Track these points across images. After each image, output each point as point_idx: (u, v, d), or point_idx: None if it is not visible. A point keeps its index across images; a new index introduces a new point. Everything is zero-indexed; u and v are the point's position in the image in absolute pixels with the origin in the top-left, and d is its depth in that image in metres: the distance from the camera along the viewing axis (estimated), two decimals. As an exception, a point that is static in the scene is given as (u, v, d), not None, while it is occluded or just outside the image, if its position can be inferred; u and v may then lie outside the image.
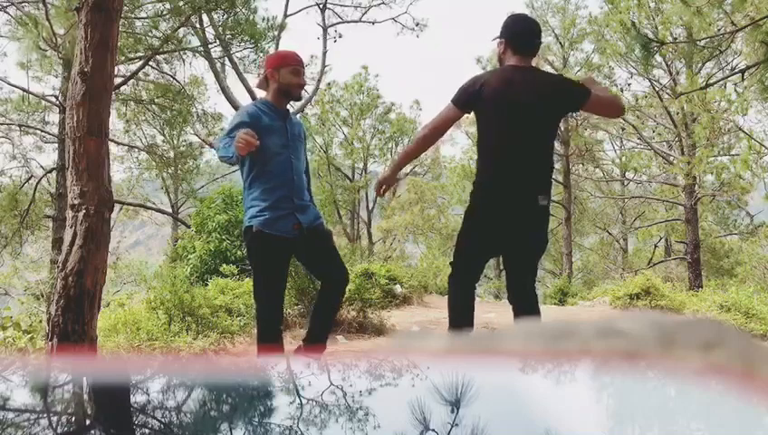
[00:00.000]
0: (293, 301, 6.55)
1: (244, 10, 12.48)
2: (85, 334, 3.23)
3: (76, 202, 3.33)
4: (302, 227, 3.15)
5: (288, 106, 3.40)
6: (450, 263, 3.14)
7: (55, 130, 14.93)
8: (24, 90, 14.74)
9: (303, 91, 3.43)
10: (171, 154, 20.69)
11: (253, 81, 15.96)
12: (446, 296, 3.20)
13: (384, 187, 3.35)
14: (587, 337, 0.65)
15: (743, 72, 8.10)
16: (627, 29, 10.03)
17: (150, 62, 13.45)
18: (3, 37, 13.37)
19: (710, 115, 12.68)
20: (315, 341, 3.25)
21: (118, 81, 11.85)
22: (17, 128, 16.05)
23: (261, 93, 3.40)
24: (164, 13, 11.85)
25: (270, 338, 3.09)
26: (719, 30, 9.01)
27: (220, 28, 13.09)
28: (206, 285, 7.62)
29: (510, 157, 2.95)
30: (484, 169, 3.07)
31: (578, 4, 21.10)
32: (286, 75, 3.16)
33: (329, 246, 3.32)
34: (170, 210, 21.18)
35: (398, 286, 9.63)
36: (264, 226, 3.07)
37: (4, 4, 10.97)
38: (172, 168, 20.98)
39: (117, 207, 12.23)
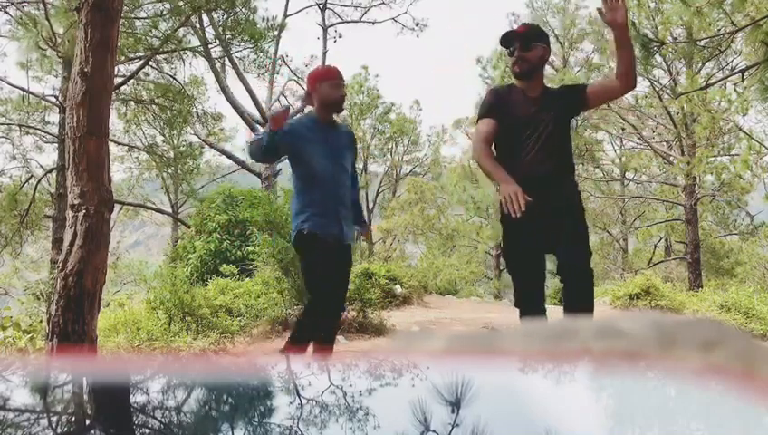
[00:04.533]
0: (293, 301, 6.56)
1: (244, 10, 12.48)
2: (85, 334, 3.23)
3: (76, 202, 3.33)
4: (337, 239, 3.31)
5: (335, 118, 3.57)
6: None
7: (55, 130, 14.93)
8: (23, 90, 14.75)
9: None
10: (171, 154, 20.67)
11: (253, 81, 15.96)
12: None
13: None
14: (587, 337, 0.65)
15: (743, 72, 8.09)
16: (627, 29, 9.98)
17: (150, 62, 13.44)
18: (3, 37, 13.37)
19: (710, 115, 12.67)
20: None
21: (118, 81, 11.84)
22: (17, 128, 16.07)
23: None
24: (164, 13, 11.84)
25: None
26: (719, 30, 9.00)
27: (220, 28, 13.09)
28: (206, 285, 7.62)
29: None
30: None
31: (578, 4, 21.11)
32: (326, 89, 3.36)
33: (345, 272, 3.50)
34: (170, 210, 21.17)
35: (398, 286, 9.62)
36: (314, 228, 3.25)
37: (4, 4, 10.97)
38: (172, 168, 20.96)
39: (117, 207, 12.22)
